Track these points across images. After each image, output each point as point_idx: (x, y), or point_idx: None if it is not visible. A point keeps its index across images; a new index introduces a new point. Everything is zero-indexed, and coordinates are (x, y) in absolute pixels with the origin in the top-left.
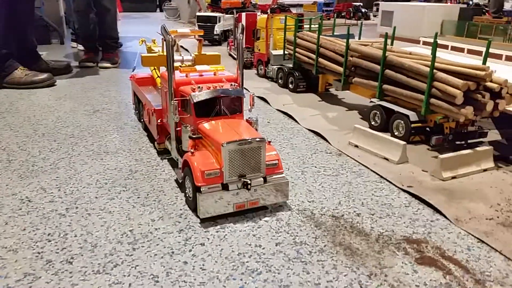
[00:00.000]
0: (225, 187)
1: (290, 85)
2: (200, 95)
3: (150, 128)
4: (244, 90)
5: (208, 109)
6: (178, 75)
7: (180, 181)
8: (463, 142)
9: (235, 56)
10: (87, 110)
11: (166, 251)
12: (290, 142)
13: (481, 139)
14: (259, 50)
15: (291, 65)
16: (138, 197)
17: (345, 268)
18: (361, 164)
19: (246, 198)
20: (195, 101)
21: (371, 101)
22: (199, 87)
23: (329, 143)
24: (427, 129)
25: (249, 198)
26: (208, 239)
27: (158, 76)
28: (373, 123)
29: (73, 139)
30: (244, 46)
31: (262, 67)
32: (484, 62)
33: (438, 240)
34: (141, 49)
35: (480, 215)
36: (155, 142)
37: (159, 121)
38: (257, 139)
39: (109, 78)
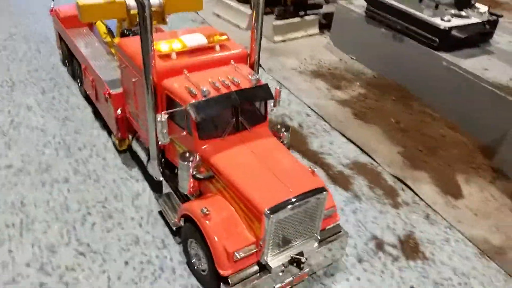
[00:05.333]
0: (264, 266)
1: None
2: (207, 108)
3: (101, 111)
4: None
5: (218, 124)
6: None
7: (174, 228)
8: (303, 12)
9: None
10: None
11: (38, 91)
12: None
13: (319, 10)
14: None
15: None
16: (16, 55)
17: None
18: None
19: (293, 274)
20: (199, 118)
21: None
22: (204, 94)
23: (197, 13)
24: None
25: (297, 273)
26: (75, 85)
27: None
28: None
29: None
30: None
31: None
32: None
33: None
34: None
35: (288, 67)
36: (113, 136)
37: (119, 112)
38: (317, 193)
39: None
